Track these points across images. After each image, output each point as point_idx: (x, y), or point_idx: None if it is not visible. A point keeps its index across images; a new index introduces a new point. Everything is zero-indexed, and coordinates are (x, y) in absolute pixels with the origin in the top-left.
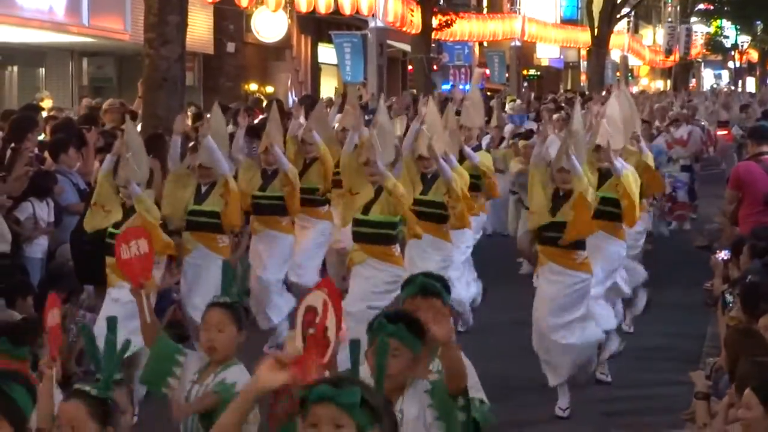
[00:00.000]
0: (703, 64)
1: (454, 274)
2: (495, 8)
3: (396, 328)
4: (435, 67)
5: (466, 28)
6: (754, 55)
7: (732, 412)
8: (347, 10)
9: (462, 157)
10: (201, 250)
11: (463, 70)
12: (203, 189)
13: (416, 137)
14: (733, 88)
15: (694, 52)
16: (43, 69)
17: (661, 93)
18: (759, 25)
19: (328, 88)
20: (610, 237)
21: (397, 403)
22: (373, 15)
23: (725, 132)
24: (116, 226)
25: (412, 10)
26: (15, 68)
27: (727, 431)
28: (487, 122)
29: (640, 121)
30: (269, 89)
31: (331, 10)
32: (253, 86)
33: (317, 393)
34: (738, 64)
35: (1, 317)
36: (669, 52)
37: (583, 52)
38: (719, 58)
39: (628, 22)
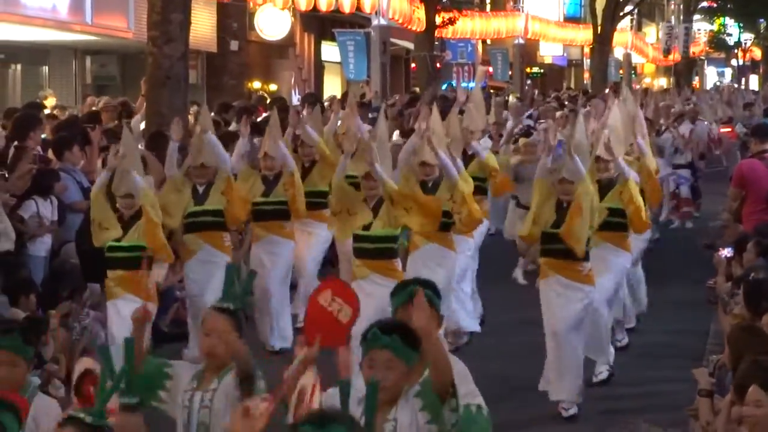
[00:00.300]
0: (706, 61)
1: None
2: (498, 6)
3: (390, 339)
4: (438, 65)
5: (470, 25)
6: (757, 53)
7: (735, 410)
8: (347, 8)
9: (467, 159)
10: (207, 249)
11: (466, 67)
12: (200, 190)
13: (415, 149)
14: (736, 85)
15: (697, 49)
16: (47, 67)
17: (665, 91)
18: (762, 23)
19: (331, 86)
20: (617, 249)
21: (391, 412)
22: (376, 13)
23: (728, 130)
24: (117, 238)
25: (416, 9)
26: (18, 66)
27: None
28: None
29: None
30: (272, 87)
31: (331, 8)
32: (256, 84)
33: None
34: (741, 62)
35: (5, 316)
36: (668, 51)
37: (587, 50)
38: (722, 55)
39: (632, 20)
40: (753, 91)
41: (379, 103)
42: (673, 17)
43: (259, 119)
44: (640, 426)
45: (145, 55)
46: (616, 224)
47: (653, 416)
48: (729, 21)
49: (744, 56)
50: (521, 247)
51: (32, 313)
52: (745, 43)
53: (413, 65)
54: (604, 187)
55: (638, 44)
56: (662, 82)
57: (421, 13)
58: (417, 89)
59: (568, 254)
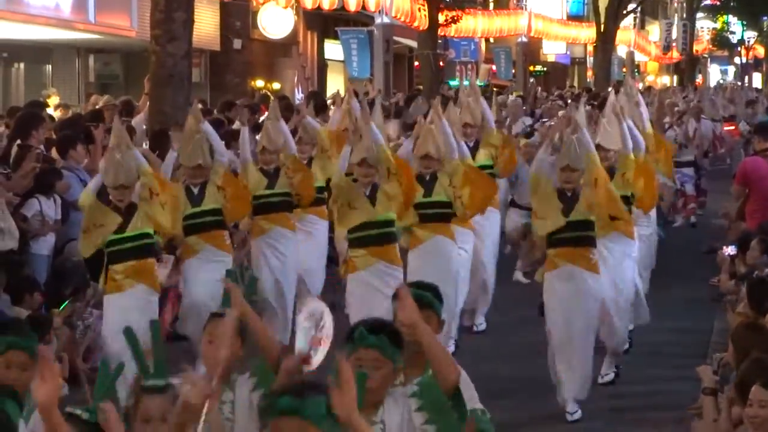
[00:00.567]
0: (709, 59)
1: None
2: (501, 4)
3: (377, 339)
4: (441, 64)
5: (473, 24)
6: (760, 51)
7: (735, 410)
8: (352, 6)
9: (472, 151)
10: (209, 249)
11: (469, 66)
12: (195, 190)
13: (420, 137)
14: (739, 83)
15: (700, 47)
16: (50, 66)
17: (667, 89)
18: (765, 21)
19: (334, 84)
20: (622, 236)
21: (377, 414)
22: (379, 11)
23: (732, 127)
24: (118, 231)
25: (420, 9)
26: (21, 65)
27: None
28: None
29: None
30: (276, 86)
31: (335, 7)
32: (259, 83)
33: (281, 405)
34: (744, 60)
35: (9, 315)
36: (667, 48)
37: (590, 48)
38: (726, 53)
39: (635, 18)
40: (756, 89)
41: (381, 102)
42: (676, 15)
43: (262, 118)
44: (644, 423)
45: (148, 53)
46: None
47: (657, 414)
48: (732, 19)
49: (747, 54)
50: (513, 240)
51: (35, 311)
52: (749, 41)
53: (416, 64)
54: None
55: (641, 42)
56: (665, 80)
57: (424, 11)
58: (420, 87)
59: (579, 241)
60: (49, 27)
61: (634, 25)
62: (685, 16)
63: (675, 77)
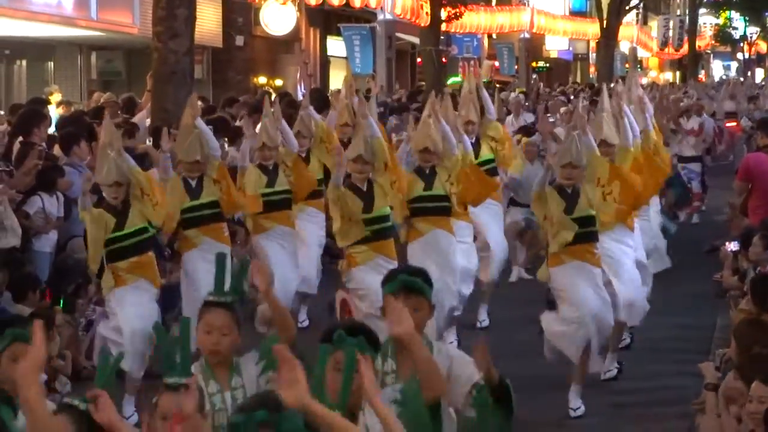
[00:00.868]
0: (712, 55)
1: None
2: (504, 0)
3: (357, 340)
4: (444, 60)
5: (475, 20)
6: (763, 47)
7: (734, 409)
8: (357, 2)
9: (475, 148)
10: (208, 242)
11: (472, 62)
12: (193, 183)
13: (418, 131)
14: (742, 79)
15: (702, 43)
16: (52, 63)
17: (670, 85)
18: None
19: (337, 80)
20: (624, 229)
21: (359, 419)
22: (381, 7)
23: (734, 123)
24: (117, 228)
25: (422, 5)
26: (24, 62)
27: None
28: None
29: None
30: (278, 82)
31: (341, 3)
32: (262, 79)
33: (257, 418)
34: (747, 56)
35: (11, 312)
36: (664, 44)
37: (592, 44)
38: (728, 49)
39: (637, 14)
40: (758, 85)
41: (384, 98)
42: (678, 11)
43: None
44: (647, 419)
45: (151, 50)
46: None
47: (660, 409)
48: (735, 14)
49: (750, 50)
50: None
51: (40, 309)
52: (751, 37)
53: (419, 60)
54: None
55: (644, 38)
56: (668, 76)
57: (426, 7)
58: (423, 84)
59: (584, 237)
60: (52, 24)
61: (637, 20)
62: (687, 11)
63: (678, 73)
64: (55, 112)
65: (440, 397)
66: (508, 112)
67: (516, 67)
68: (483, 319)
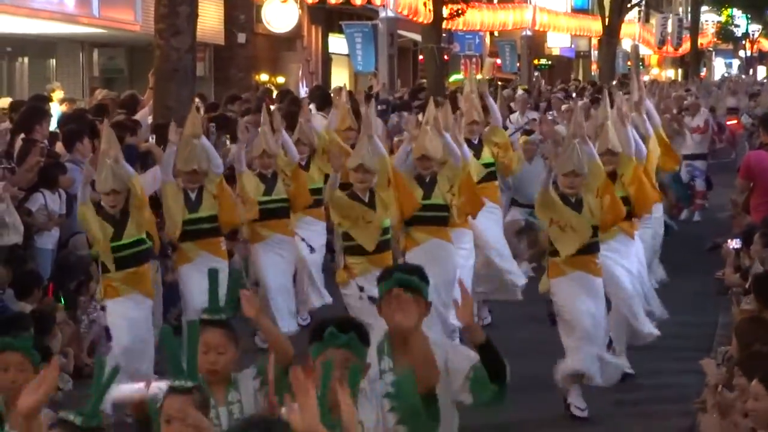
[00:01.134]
0: (714, 53)
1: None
2: None
3: (348, 337)
4: (446, 57)
5: (477, 17)
6: (765, 44)
7: (739, 405)
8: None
9: (476, 149)
10: (205, 256)
11: (474, 59)
12: (193, 196)
13: (418, 138)
14: (743, 76)
15: (705, 41)
16: (54, 60)
17: (673, 82)
18: None
19: (338, 78)
20: (626, 237)
21: None
22: (383, 5)
23: (734, 121)
24: (115, 238)
25: (424, 3)
26: (26, 59)
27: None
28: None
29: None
30: (280, 80)
31: (339, 0)
32: (263, 77)
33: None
34: (749, 53)
35: (14, 309)
36: (662, 43)
37: (594, 42)
38: (730, 47)
39: (639, 12)
40: (759, 82)
41: (386, 96)
42: (680, 8)
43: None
44: (649, 416)
45: (153, 47)
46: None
47: (662, 407)
48: (737, 12)
49: (752, 47)
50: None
51: (42, 305)
52: (753, 34)
53: (421, 57)
54: (610, 179)
55: (646, 36)
56: (670, 73)
57: (428, 5)
58: (424, 81)
59: (585, 249)
60: (53, 21)
61: (639, 18)
62: (689, 9)
63: (680, 71)
64: (58, 109)
65: (434, 388)
66: (510, 110)
67: (518, 64)
68: (485, 316)
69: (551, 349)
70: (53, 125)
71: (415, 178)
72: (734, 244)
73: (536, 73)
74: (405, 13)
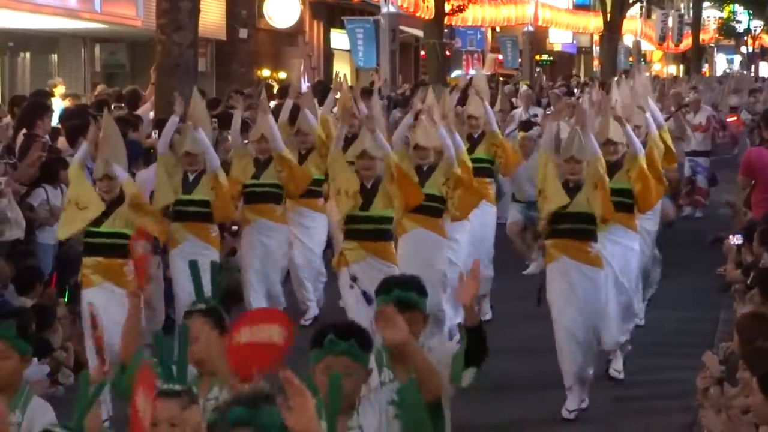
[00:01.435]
0: (715, 49)
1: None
2: None
3: (348, 345)
4: (448, 53)
5: (479, 13)
6: (766, 40)
7: (740, 401)
8: None
9: (474, 143)
10: (192, 240)
11: (476, 55)
12: (191, 177)
13: (413, 128)
14: (745, 73)
15: (706, 37)
16: (56, 55)
17: (674, 78)
18: None
19: (340, 72)
20: (626, 230)
21: (352, 419)
22: (385, 0)
23: (734, 118)
24: (96, 223)
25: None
26: (27, 54)
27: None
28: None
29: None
30: (282, 75)
31: None
32: (265, 72)
33: (233, 415)
34: (751, 49)
35: (15, 304)
36: (663, 39)
37: (596, 38)
38: (732, 43)
39: (641, 7)
40: (762, 78)
41: (388, 92)
42: (682, 5)
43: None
44: (650, 413)
45: (154, 43)
46: (624, 204)
47: (664, 403)
48: (738, 8)
49: (753, 43)
50: (511, 235)
51: (43, 299)
52: (755, 30)
53: (422, 53)
54: (612, 169)
55: (648, 32)
56: (671, 69)
57: (430, 0)
58: (426, 77)
59: (576, 233)
60: (55, 16)
61: (641, 14)
62: (691, 5)
63: (681, 66)
64: (60, 104)
65: (440, 396)
66: (513, 106)
67: (519, 60)
68: (486, 311)
69: (549, 346)
70: (54, 120)
71: (415, 167)
72: (736, 240)
73: (538, 69)
74: (407, 8)
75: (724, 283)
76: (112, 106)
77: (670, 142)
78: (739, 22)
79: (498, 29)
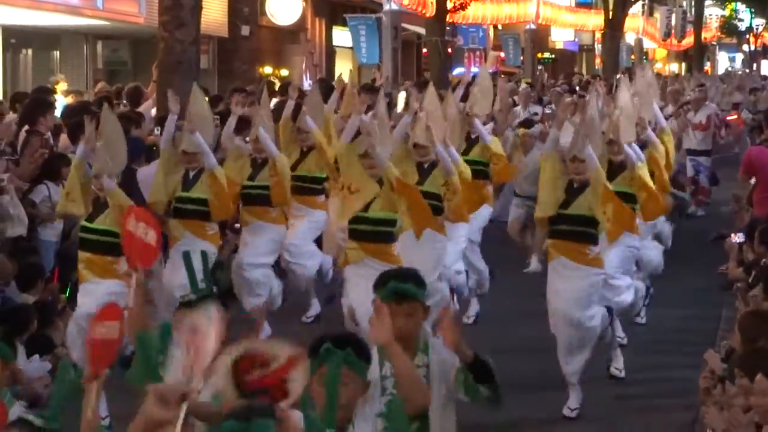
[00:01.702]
0: (717, 47)
1: (448, 271)
2: None
3: (345, 354)
4: (449, 50)
5: (481, 10)
6: None
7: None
8: None
9: (470, 143)
10: (189, 238)
11: (477, 53)
12: (191, 175)
13: (412, 125)
14: (747, 71)
15: (708, 35)
16: (58, 52)
17: (676, 76)
18: None
19: (342, 71)
20: (626, 233)
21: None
22: None
23: (735, 117)
24: (89, 219)
25: None
26: (30, 51)
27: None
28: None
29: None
30: (284, 72)
31: None
32: (267, 69)
33: (226, 429)
34: (753, 48)
35: (17, 301)
36: (667, 35)
37: (598, 35)
38: (734, 41)
39: (643, 5)
40: (763, 76)
41: (390, 89)
42: (684, 2)
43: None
44: (652, 411)
45: (157, 40)
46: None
47: (664, 402)
48: (741, 6)
49: (755, 41)
50: (512, 233)
51: (44, 295)
52: (757, 29)
53: (425, 50)
54: (615, 169)
55: (649, 29)
56: (674, 67)
57: None
58: (428, 74)
59: (575, 236)
60: (58, 13)
61: (643, 12)
62: (693, 3)
63: (683, 64)
64: (63, 101)
65: (426, 408)
66: (513, 103)
67: (521, 58)
68: (471, 315)
69: (550, 345)
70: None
71: (417, 163)
72: (737, 238)
73: (540, 67)
74: (409, 6)
75: (726, 282)
76: (114, 103)
77: (671, 147)
78: (741, 20)
79: (500, 27)
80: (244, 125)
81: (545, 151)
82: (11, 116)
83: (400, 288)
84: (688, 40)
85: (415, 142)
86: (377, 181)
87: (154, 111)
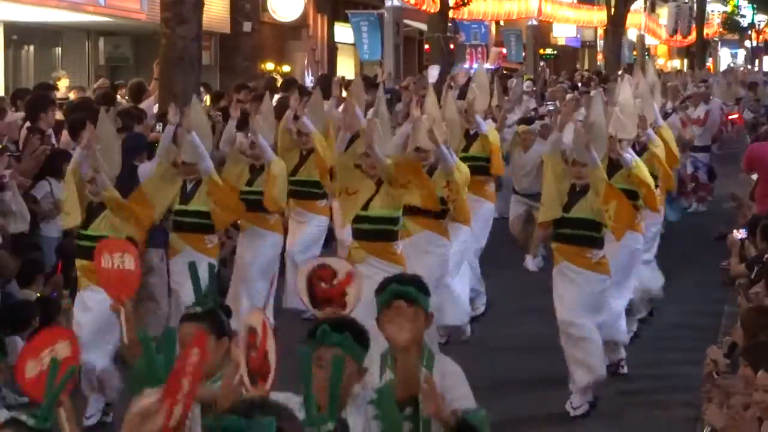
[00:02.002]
0: (719, 43)
1: (452, 279)
2: None
3: (342, 337)
4: (452, 47)
5: (483, 7)
6: None
7: (739, 398)
8: None
9: (470, 139)
10: (189, 252)
11: (479, 49)
12: (188, 186)
13: (413, 130)
14: (749, 67)
15: (710, 31)
16: (60, 48)
17: (678, 72)
18: None
19: (344, 67)
20: (631, 234)
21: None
22: None
23: (735, 115)
24: (84, 226)
25: None
26: (31, 48)
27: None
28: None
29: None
30: (286, 69)
31: None
32: (269, 66)
33: (227, 425)
34: (755, 44)
35: (18, 297)
36: (674, 31)
37: (600, 32)
38: (736, 37)
39: (645, 2)
40: (765, 72)
41: (392, 85)
42: None
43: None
44: (654, 406)
45: (159, 36)
46: None
47: (667, 397)
48: (743, 2)
49: (758, 38)
50: (513, 231)
51: (51, 290)
52: (759, 25)
53: (426, 47)
54: (616, 166)
55: (652, 26)
56: (676, 63)
57: None
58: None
59: (577, 240)
60: (59, 9)
61: (645, 8)
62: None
63: (685, 61)
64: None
65: (416, 393)
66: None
67: (523, 54)
68: (478, 307)
69: (553, 343)
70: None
71: None
72: (740, 234)
73: (542, 63)
74: (411, 2)
75: (728, 278)
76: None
77: (668, 136)
78: (743, 16)
79: (502, 23)
80: (244, 122)
81: (547, 151)
82: (17, 114)
83: (402, 291)
84: (691, 37)
85: (416, 146)
86: (377, 180)
87: (155, 108)
